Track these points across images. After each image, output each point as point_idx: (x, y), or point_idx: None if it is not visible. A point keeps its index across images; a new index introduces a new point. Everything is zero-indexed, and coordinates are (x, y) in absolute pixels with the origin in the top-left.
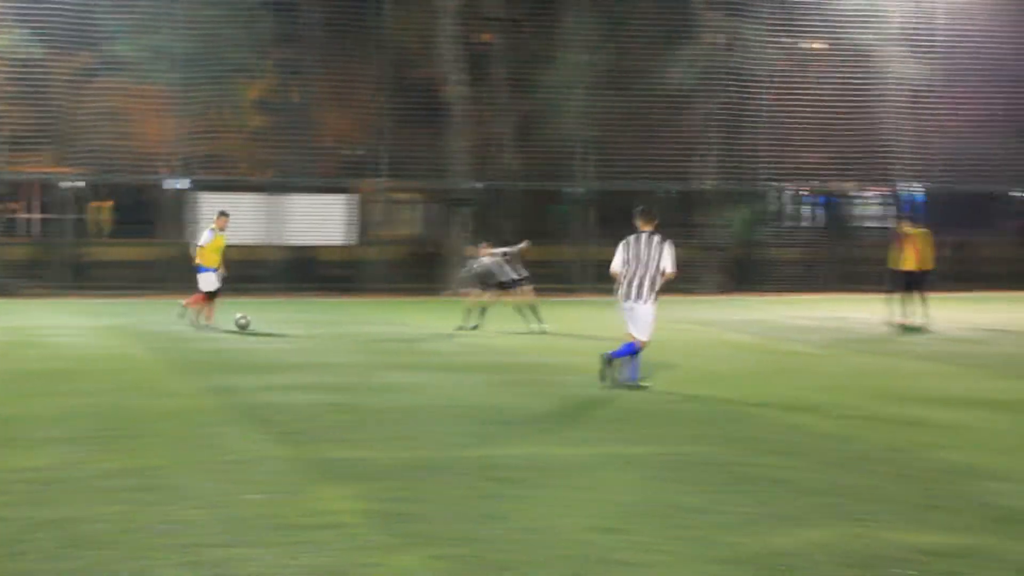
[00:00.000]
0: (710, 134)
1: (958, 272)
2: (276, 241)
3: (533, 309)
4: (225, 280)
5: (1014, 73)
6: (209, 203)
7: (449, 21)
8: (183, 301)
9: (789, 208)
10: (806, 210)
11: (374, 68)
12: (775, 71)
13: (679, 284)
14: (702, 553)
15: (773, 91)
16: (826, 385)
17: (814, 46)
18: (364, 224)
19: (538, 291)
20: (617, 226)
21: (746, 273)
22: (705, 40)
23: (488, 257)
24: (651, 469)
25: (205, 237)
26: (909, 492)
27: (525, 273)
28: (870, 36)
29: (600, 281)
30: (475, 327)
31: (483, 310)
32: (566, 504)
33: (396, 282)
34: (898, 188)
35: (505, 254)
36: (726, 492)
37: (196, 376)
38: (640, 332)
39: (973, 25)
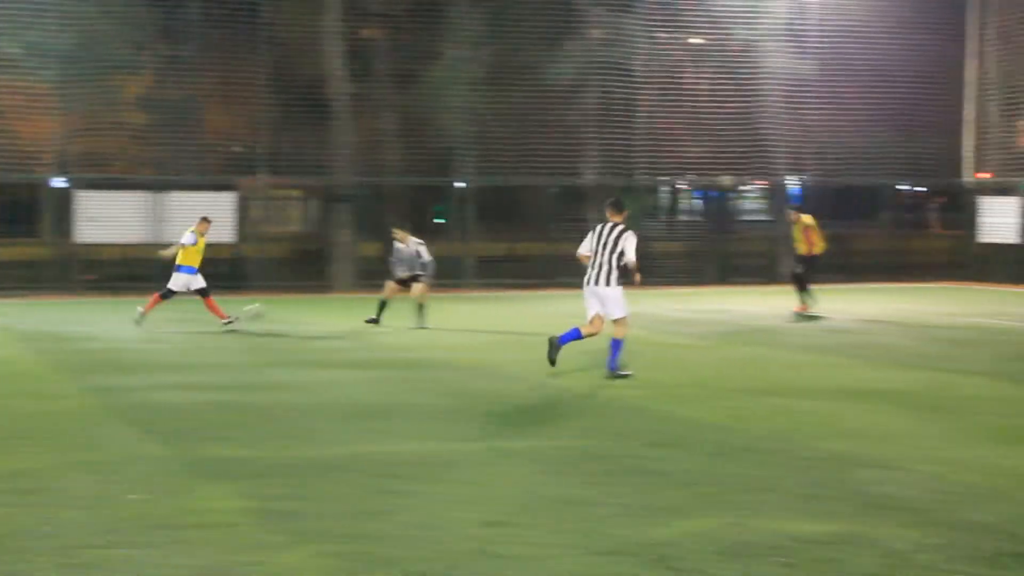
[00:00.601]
0: (592, 129)
1: (836, 264)
2: (160, 240)
3: (421, 306)
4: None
5: (889, 68)
6: (90, 202)
7: (332, 17)
8: (140, 308)
9: (671, 202)
10: (688, 204)
11: (257, 64)
12: (657, 66)
13: (562, 278)
14: (585, 545)
15: (655, 86)
16: (708, 377)
17: (695, 41)
18: (247, 222)
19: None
20: (500, 221)
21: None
22: (588, 35)
23: (409, 245)
24: (538, 463)
25: (188, 239)
26: (787, 481)
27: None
28: (750, 32)
29: (483, 276)
30: (374, 321)
31: (383, 304)
32: (453, 499)
33: (280, 280)
34: (777, 182)
35: (420, 244)
36: (610, 484)
37: (80, 376)
38: (613, 312)
39: (850, 21)
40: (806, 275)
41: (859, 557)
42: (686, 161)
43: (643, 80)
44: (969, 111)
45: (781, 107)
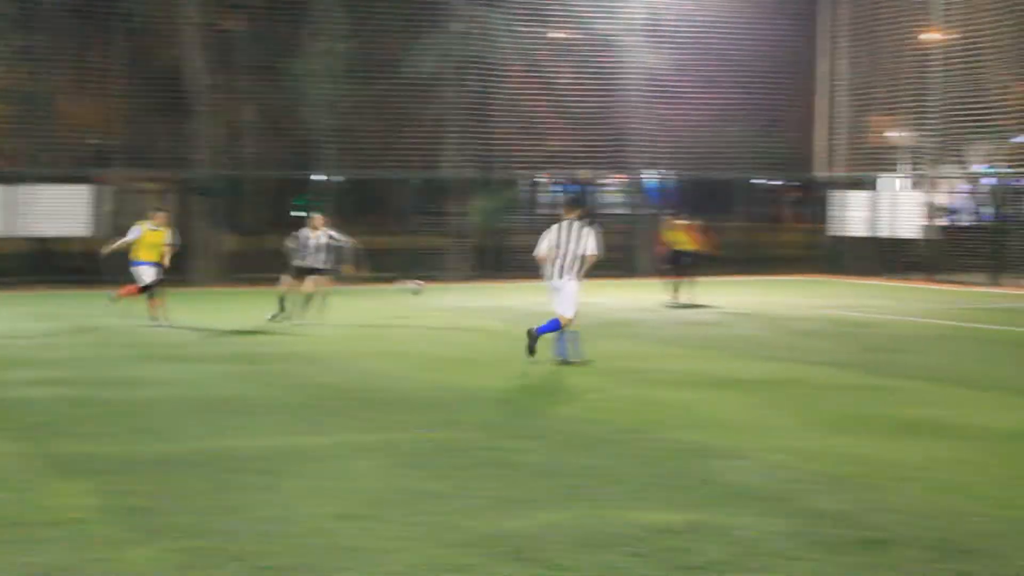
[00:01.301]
0: (456, 122)
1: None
2: (14, 233)
3: (307, 300)
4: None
5: (746, 64)
6: None
7: (191, 7)
8: (112, 293)
9: (535, 196)
10: (545, 197)
11: (114, 54)
12: (518, 60)
13: (425, 272)
14: (439, 537)
15: (516, 80)
16: (566, 369)
17: (555, 35)
18: (105, 214)
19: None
20: (363, 214)
21: (493, 260)
22: (450, 29)
23: (320, 235)
24: (395, 456)
25: (134, 232)
26: (640, 472)
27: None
28: (609, 26)
29: None
30: (275, 317)
31: (282, 299)
32: (308, 493)
33: None
34: (636, 176)
35: (331, 238)
36: (468, 477)
37: None
38: (564, 308)
39: (707, 16)
40: (691, 269)
41: (708, 546)
42: (546, 155)
43: (504, 74)
44: (822, 106)
45: (639, 102)
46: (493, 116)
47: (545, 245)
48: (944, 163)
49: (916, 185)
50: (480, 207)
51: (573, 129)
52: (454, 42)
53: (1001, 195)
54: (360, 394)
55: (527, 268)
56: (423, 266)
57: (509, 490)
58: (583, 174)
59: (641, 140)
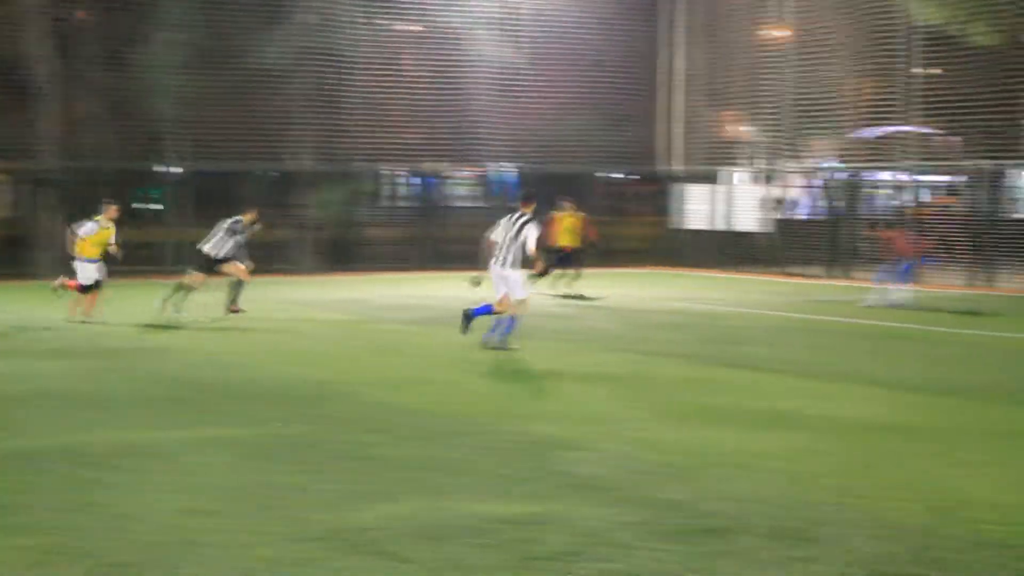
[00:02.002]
0: (304, 114)
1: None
2: None
3: (188, 291)
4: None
5: (596, 58)
6: None
7: None
8: (56, 282)
9: (385, 188)
10: (401, 190)
11: None
12: (371, 52)
13: (276, 265)
14: (287, 532)
15: (369, 72)
16: (419, 362)
17: (407, 28)
18: None
19: (136, 274)
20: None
21: (343, 253)
22: (301, 20)
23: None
24: (246, 450)
25: (88, 228)
26: (488, 464)
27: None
28: (461, 19)
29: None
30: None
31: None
32: (160, 489)
33: None
34: (488, 168)
35: (233, 225)
36: (316, 471)
37: None
38: (516, 293)
39: (559, 10)
40: (576, 261)
41: (553, 536)
42: (399, 147)
43: (353, 66)
44: (666, 101)
45: (488, 95)
46: (342, 108)
47: (495, 234)
48: (784, 157)
49: (756, 179)
50: (328, 199)
51: (423, 121)
52: (302, 33)
53: (837, 189)
54: (216, 388)
55: (377, 260)
56: (272, 259)
57: (358, 483)
58: (428, 166)
59: (489, 133)
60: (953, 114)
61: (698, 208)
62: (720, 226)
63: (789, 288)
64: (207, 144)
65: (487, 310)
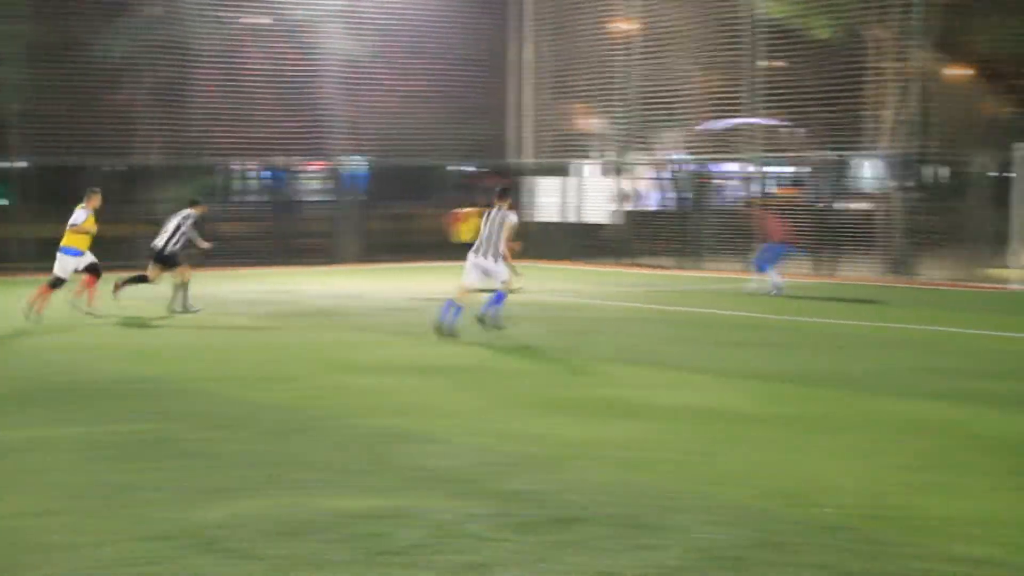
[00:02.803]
0: (151, 108)
1: (398, 244)
2: None
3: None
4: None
5: (447, 50)
6: None
7: None
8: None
9: (235, 183)
10: (252, 184)
11: None
12: (217, 44)
13: (123, 260)
14: (134, 531)
15: (216, 65)
16: (270, 357)
17: (256, 21)
18: None
19: None
20: (55, 202)
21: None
22: (144, 13)
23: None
24: (90, 449)
25: (80, 216)
26: (339, 458)
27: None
28: (310, 12)
29: (43, 259)
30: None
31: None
32: (4, 489)
33: None
34: (338, 162)
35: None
36: (165, 469)
37: None
38: (499, 279)
39: (408, 2)
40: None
41: (407, 530)
42: (248, 141)
43: (204, 59)
44: (520, 93)
45: (338, 88)
46: (189, 102)
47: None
48: (632, 150)
49: (606, 171)
50: (183, 194)
51: (272, 115)
52: (148, 26)
53: (685, 181)
54: (63, 386)
55: (228, 255)
56: (119, 255)
57: (207, 480)
58: (281, 160)
59: (340, 127)
60: (797, 106)
61: (549, 200)
62: (571, 218)
63: (639, 279)
64: (53, 138)
65: (500, 298)
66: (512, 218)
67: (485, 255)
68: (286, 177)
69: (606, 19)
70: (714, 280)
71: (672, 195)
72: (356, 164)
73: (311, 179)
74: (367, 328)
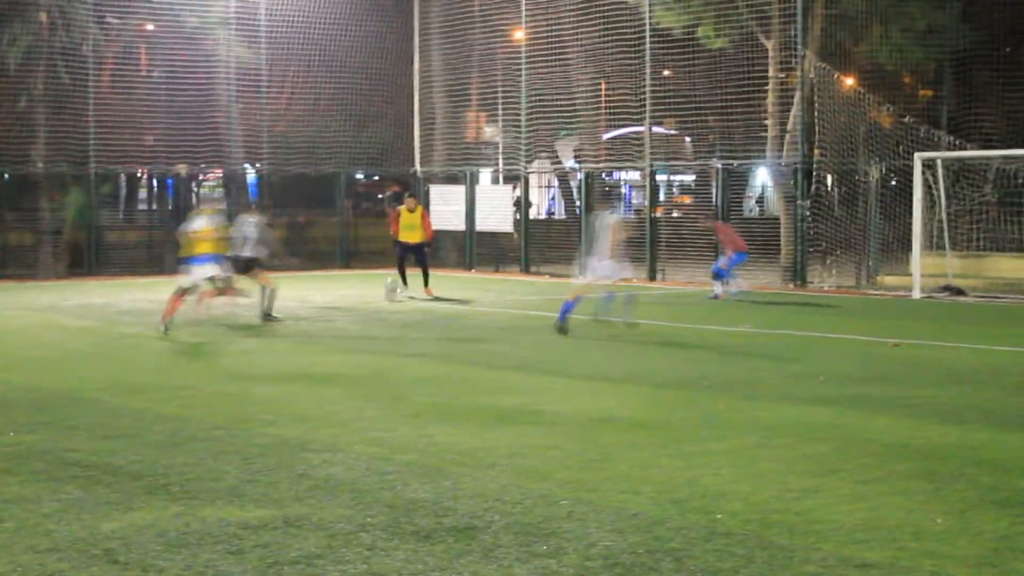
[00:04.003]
0: (46, 115)
1: (295, 251)
2: None
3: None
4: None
5: (350, 58)
6: None
7: None
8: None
9: (128, 191)
10: (144, 192)
11: None
12: (111, 52)
13: (11, 270)
14: (27, 544)
15: (109, 72)
16: (166, 366)
17: (154, 28)
18: None
19: None
20: None
21: (85, 257)
22: (36, 19)
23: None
24: None
25: (199, 222)
26: (235, 468)
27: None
28: (209, 19)
29: None
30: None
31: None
32: None
33: None
34: (236, 170)
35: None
36: (56, 480)
37: None
38: (611, 278)
39: (306, 10)
40: (423, 258)
41: (303, 540)
42: (144, 149)
43: (96, 66)
44: (417, 102)
45: (239, 96)
46: (80, 109)
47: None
48: (527, 158)
49: (502, 179)
50: (73, 202)
51: (167, 123)
52: (41, 32)
53: (579, 189)
54: None
55: (121, 264)
56: (7, 264)
57: (102, 492)
58: (180, 168)
59: (237, 134)
60: (687, 115)
61: (452, 209)
62: (467, 226)
63: (535, 287)
64: None
65: (612, 297)
66: (613, 218)
67: (599, 256)
68: (180, 184)
69: (503, 29)
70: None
71: (568, 203)
72: (253, 171)
73: (206, 186)
74: (262, 336)
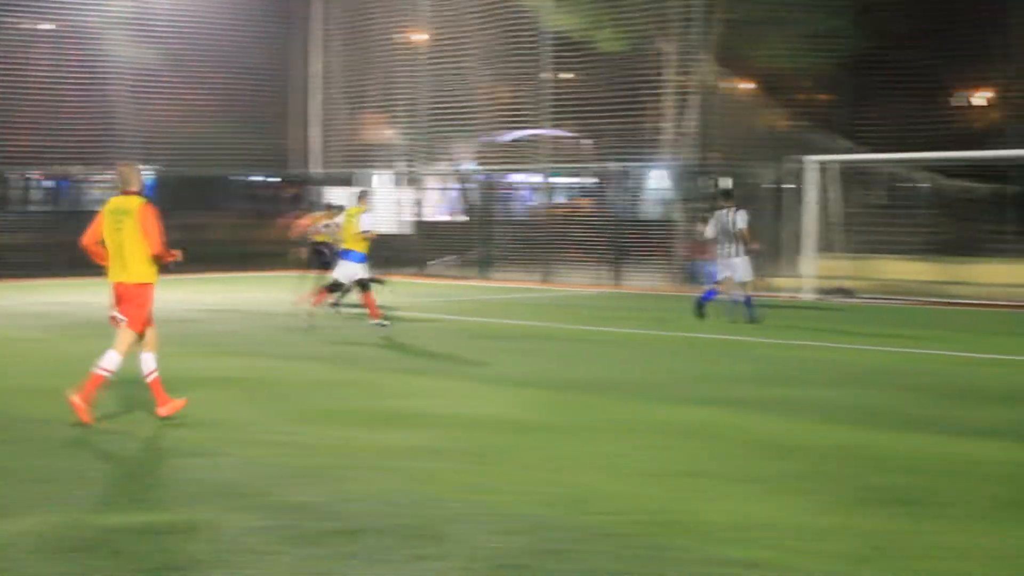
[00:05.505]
0: None
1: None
2: None
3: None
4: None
5: (236, 59)
6: None
7: None
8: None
9: (15, 192)
10: (34, 194)
11: None
12: (1, 50)
13: None
14: None
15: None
16: (49, 370)
17: (42, 27)
18: None
19: None
20: None
21: None
22: None
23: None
24: None
25: (367, 221)
26: (116, 472)
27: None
28: (96, 18)
29: None
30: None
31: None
32: None
33: None
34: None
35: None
36: None
37: None
38: (740, 275)
39: (196, 10)
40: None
41: (186, 545)
42: (33, 149)
43: None
44: (309, 102)
45: (128, 96)
46: None
47: (711, 229)
48: (422, 160)
49: (396, 181)
50: None
51: (57, 123)
52: None
53: (475, 191)
54: None
55: (8, 267)
56: None
57: None
58: (76, 169)
59: (127, 135)
60: (586, 117)
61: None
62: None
63: (429, 289)
64: None
65: (712, 295)
66: (742, 216)
67: (730, 253)
68: (70, 186)
69: (397, 29)
70: (503, 290)
71: (462, 205)
72: (149, 173)
73: (97, 188)
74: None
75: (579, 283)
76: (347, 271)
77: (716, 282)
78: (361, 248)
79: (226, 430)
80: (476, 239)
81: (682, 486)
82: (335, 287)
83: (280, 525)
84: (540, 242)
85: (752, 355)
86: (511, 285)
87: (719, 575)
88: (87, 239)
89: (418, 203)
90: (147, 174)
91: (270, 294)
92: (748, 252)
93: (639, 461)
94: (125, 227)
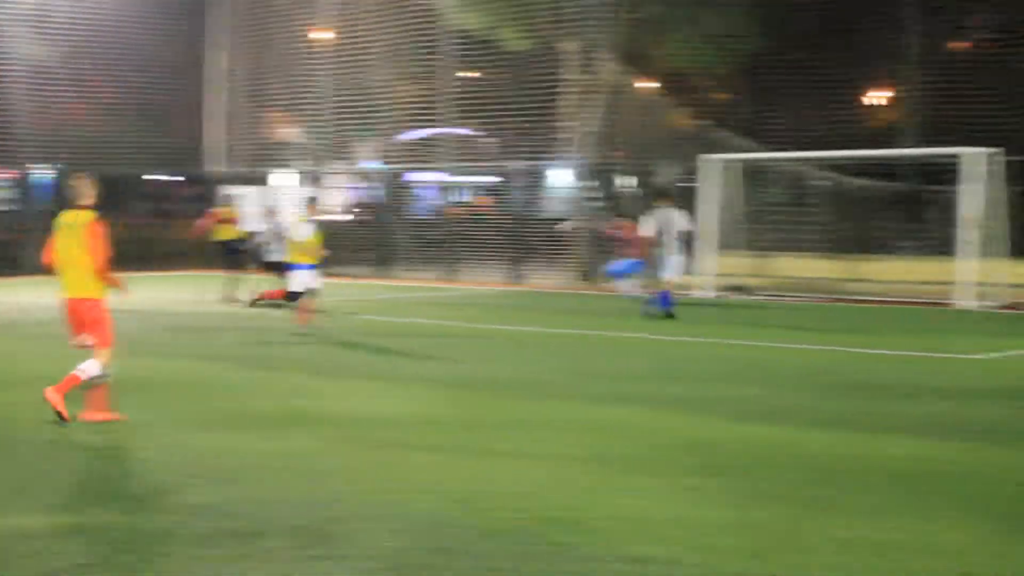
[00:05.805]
0: None
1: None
2: None
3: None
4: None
5: (141, 57)
6: None
7: None
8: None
9: None
10: None
11: None
12: None
13: None
14: None
15: None
16: None
17: None
18: None
19: None
20: None
21: None
22: None
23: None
24: None
25: (304, 230)
26: (10, 473)
27: None
28: None
29: None
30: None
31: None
32: None
33: None
34: (27, 171)
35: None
36: None
37: None
38: (671, 273)
39: (100, 7)
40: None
41: (76, 547)
42: None
43: None
44: (216, 102)
45: (26, 94)
46: None
47: (650, 228)
48: (328, 159)
49: (301, 180)
50: None
51: None
52: None
53: (381, 190)
54: None
55: None
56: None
57: None
58: None
59: (27, 134)
60: (492, 116)
61: (248, 210)
62: (265, 227)
63: (333, 289)
64: None
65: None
66: (681, 215)
67: (671, 251)
68: None
69: (304, 28)
70: (408, 289)
71: (367, 205)
72: (43, 173)
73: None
74: (47, 339)
75: (482, 281)
76: (300, 280)
77: (647, 280)
78: (309, 260)
79: (125, 431)
80: (380, 238)
81: (583, 483)
82: (293, 297)
83: (174, 527)
84: (444, 240)
85: (654, 353)
86: (415, 284)
87: (616, 571)
88: (46, 255)
89: (319, 202)
90: (47, 174)
91: (173, 294)
92: (686, 251)
93: (540, 459)
94: (74, 242)
